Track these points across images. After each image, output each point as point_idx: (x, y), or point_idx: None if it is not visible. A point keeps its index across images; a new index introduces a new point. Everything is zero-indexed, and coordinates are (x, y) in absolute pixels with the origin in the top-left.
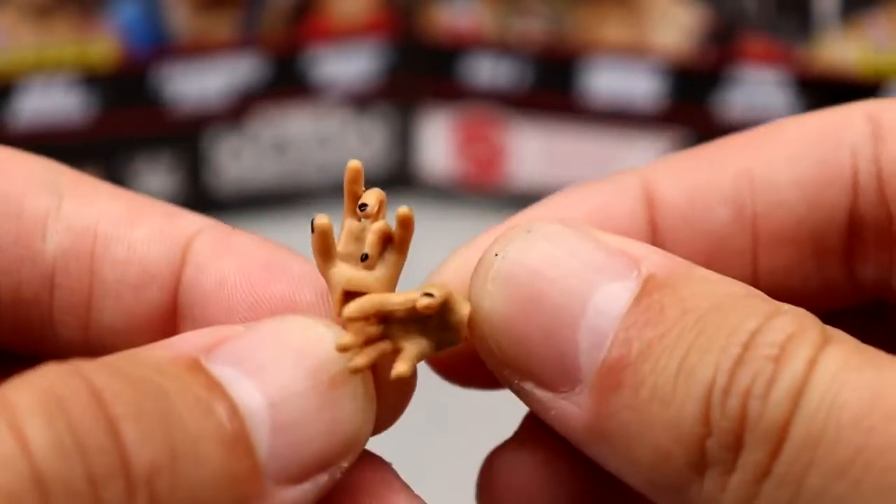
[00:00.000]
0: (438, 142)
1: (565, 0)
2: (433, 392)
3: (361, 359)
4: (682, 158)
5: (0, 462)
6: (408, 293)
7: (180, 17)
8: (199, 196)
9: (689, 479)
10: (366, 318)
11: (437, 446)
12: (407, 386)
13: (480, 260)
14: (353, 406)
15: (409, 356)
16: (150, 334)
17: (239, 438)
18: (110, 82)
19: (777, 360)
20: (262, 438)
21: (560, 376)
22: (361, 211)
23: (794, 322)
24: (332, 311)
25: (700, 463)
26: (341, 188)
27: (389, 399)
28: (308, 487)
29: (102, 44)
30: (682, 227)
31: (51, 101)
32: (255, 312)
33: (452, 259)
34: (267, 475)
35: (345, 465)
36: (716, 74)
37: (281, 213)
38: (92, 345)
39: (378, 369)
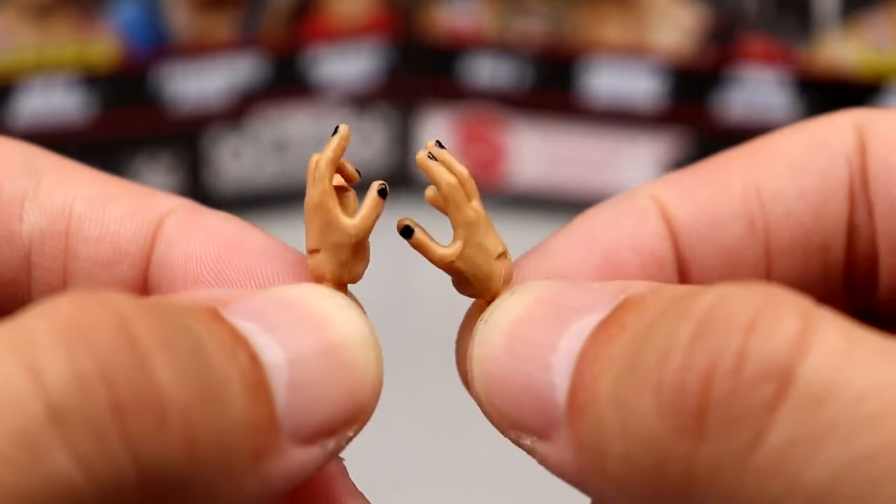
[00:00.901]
0: None
1: (565, 0)
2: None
3: None
4: (686, 175)
5: (11, 403)
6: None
7: (180, 17)
8: (199, 196)
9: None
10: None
11: (428, 449)
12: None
13: (472, 330)
14: (363, 373)
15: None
16: None
17: (261, 387)
18: (110, 82)
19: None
20: (281, 393)
21: (546, 422)
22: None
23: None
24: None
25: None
26: None
27: None
28: (317, 452)
29: (102, 44)
30: (699, 245)
31: (51, 101)
32: (221, 284)
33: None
34: (282, 430)
35: (351, 434)
36: (716, 74)
37: (281, 213)
38: None
39: None
